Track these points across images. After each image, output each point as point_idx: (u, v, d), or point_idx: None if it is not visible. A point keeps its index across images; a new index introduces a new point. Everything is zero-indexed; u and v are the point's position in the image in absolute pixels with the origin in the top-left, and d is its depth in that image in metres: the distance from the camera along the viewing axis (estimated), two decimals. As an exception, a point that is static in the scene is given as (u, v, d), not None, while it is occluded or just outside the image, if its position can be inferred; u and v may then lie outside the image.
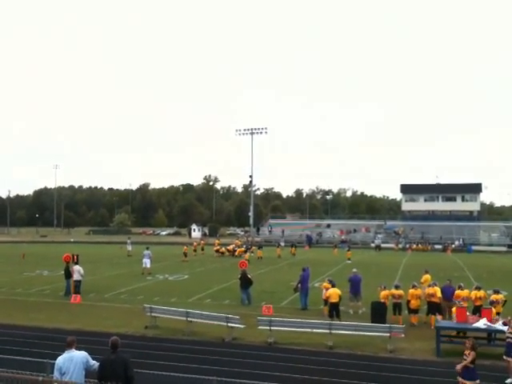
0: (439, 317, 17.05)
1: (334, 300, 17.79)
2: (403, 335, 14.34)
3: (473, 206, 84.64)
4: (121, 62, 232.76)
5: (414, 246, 66.45)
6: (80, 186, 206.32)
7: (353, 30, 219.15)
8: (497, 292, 17.23)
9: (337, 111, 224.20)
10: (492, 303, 16.39)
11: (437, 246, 66.44)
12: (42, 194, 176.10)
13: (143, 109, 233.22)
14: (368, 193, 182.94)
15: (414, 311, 17.96)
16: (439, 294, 17.42)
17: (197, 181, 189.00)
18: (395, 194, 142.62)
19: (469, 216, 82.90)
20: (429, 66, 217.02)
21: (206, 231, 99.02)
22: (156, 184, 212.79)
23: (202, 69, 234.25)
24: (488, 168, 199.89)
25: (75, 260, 26.19)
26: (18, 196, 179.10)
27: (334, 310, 17.78)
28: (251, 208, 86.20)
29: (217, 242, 56.44)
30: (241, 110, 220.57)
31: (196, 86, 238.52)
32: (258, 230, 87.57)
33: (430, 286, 18.36)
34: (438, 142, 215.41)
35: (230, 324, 15.43)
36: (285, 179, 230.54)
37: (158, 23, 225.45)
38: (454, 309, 15.41)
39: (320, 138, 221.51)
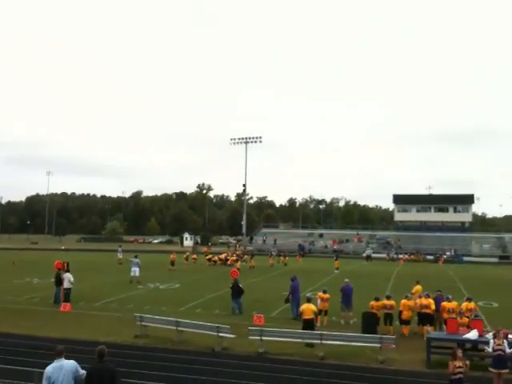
0: (430, 328, 17.07)
1: (308, 316, 16.53)
2: (394, 346, 14.32)
3: (465, 217, 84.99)
4: (121, 62, 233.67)
5: (406, 256, 66.43)
6: (73, 193, 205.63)
7: (353, 31, 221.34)
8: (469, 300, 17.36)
9: (337, 111, 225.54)
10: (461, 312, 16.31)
11: (429, 257, 66.55)
12: (34, 201, 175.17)
13: (143, 109, 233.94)
14: (361, 202, 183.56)
15: (406, 322, 17.93)
16: (433, 306, 17.46)
17: (190, 189, 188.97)
18: (388, 204, 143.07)
19: (461, 227, 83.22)
20: (429, 67, 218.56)
21: (198, 240, 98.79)
22: (149, 191, 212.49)
23: (202, 69, 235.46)
24: (487, 167, 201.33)
25: (66, 268, 26.00)
26: (9, 202, 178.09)
27: (308, 327, 16.38)
28: (244, 217, 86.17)
29: (205, 249, 56.54)
30: (240, 111, 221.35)
31: (196, 86, 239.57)
32: (251, 238, 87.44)
33: (421, 296, 18.37)
34: (436, 143, 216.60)
35: (220, 334, 15.36)
36: (279, 187, 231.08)
37: (158, 23, 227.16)
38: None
39: (320, 138, 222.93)
